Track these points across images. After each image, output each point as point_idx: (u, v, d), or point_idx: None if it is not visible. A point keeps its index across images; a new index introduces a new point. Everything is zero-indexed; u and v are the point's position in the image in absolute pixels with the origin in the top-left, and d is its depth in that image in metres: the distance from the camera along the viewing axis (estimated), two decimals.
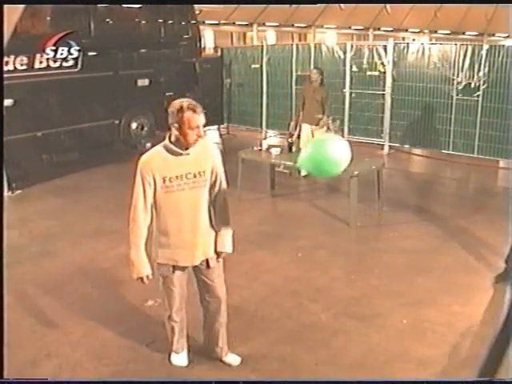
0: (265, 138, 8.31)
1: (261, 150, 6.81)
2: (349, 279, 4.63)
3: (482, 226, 5.82)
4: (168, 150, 2.93)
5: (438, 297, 4.26)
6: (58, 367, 3.38)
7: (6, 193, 6.85)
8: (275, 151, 6.59)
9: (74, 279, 4.64)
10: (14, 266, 4.43)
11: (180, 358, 3.41)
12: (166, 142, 2.95)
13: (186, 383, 3.29)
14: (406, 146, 9.59)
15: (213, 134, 11.46)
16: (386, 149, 9.63)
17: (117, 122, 9.13)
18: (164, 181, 2.91)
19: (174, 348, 3.39)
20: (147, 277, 3.10)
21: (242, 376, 3.27)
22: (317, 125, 7.50)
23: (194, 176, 2.96)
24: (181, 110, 2.84)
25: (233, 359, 3.41)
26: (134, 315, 3.98)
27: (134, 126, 9.52)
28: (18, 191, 7.16)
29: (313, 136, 7.71)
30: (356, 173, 5.78)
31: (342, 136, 9.24)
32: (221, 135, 10.90)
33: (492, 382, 1.50)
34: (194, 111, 2.84)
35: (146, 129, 9.78)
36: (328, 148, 3.04)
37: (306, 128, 7.77)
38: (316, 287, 4.46)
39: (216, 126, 11.37)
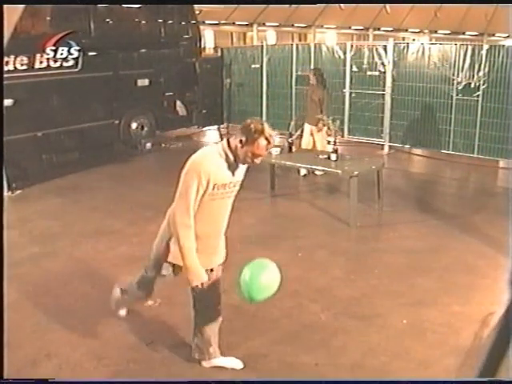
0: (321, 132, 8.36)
1: None
2: (349, 279, 4.63)
3: (482, 226, 5.82)
4: (224, 157, 2.90)
5: (438, 297, 4.26)
6: (58, 367, 3.38)
7: (5, 193, 6.85)
8: (275, 151, 6.58)
9: (74, 279, 4.64)
10: (14, 265, 4.43)
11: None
12: (225, 148, 2.90)
13: (186, 383, 3.29)
14: (406, 146, 9.59)
15: (213, 134, 11.47)
16: (386, 149, 9.63)
17: (117, 122, 9.13)
18: (213, 187, 2.88)
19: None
20: (202, 284, 3.05)
21: (242, 376, 3.27)
22: (316, 125, 7.53)
23: (234, 186, 3.02)
24: (261, 133, 2.87)
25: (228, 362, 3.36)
26: (134, 315, 3.98)
27: (134, 126, 9.53)
28: (18, 191, 7.16)
29: (312, 136, 7.76)
30: (356, 173, 5.79)
31: (342, 136, 9.26)
32: (221, 135, 10.89)
33: (492, 382, 1.50)
34: (269, 142, 2.90)
35: (146, 129, 9.79)
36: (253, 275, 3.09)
37: (307, 128, 7.88)
38: (316, 287, 4.46)
39: (216, 126, 11.37)
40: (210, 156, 2.90)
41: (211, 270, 3.16)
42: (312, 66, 10.25)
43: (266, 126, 2.92)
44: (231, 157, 2.91)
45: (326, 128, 7.35)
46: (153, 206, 6.60)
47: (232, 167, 2.94)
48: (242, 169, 3.05)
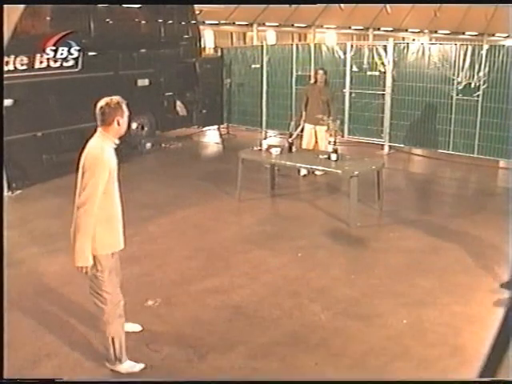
0: (265, 138, 8.31)
1: (261, 149, 6.81)
2: (349, 279, 4.63)
3: (482, 225, 5.82)
4: (110, 144, 3.21)
5: (438, 297, 4.26)
6: (57, 367, 3.38)
7: (5, 193, 6.85)
8: (275, 151, 6.58)
9: (74, 279, 4.63)
10: (14, 265, 4.44)
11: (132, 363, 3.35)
12: (107, 136, 3.21)
13: (186, 383, 3.29)
14: (406, 145, 9.59)
15: (213, 134, 11.47)
16: (386, 149, 9.63)
17: None
18: (111, 172, 3.16)
19: (124, 353, 3.32)
20: (86, 268, 3.17)
21: (242, 376, 3.27)
22: (320, 124, 7.50)
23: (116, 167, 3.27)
24: (116, 105, 3.19)
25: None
26: (134, 315, 3.98)
27: (134, 126, 9.53)
28: (18, 191, 7.16)
29: (316, 136, 7.77)
30: (356, 173, 5.79)
31: (342, 136, 9.27)
32: (221, 135, 10.90)
33: (492, 382, 1.50)
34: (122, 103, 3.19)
35: (146, 129, 9.79)
36: None
37: (308, 128, 7.83)
38: (316, 287, 4.46)
39: (216, 126, 11.38)
40: (104, 146, 3.15)
41: (112, 255, 3.31)
42: (312, 66, 10.27)
43: (117, 98, 3.24)
44: (114, 140, 3.22)
45: (327, 127, 7.38)
46: (152, 205, 6.61)
47: (113, 151, 3.23)
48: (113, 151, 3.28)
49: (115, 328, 3.27)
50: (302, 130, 7.96)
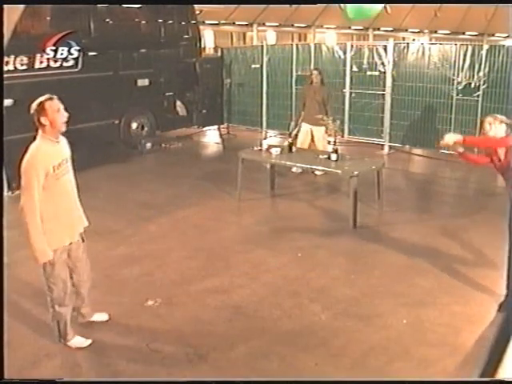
0: (265, 138, 8.30)
1: (261, 149, 6.81)
2: (349, 279, 4.63)
3: (482, 225, 5.81)
4: (46, 143, 3.38)
5: (438, 297, 4.26)
6: (57, 367, 3.38)
7: (5, 193, 6.84)
8: (275, 151, 6.58)
9: None
10: (14, 265, 4.43)
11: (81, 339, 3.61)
12: (42, 135, 3.37)
13: (186, 383, 3.29)
14: (406, 146, 9.59)
15: (213, 134, 11.47)
16: (386, 149, 9.63)
17: (117, 122, 9.13)
18: (53, 170, 3.33)
19: (71, 332, 3.58)
20: (50, 262, 3.37)
21: (242, 376, 3.27)
22: (317, 125, 7.50)
23: (66, 161, 3.50)
24: (41, 103, 3.32)
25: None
26: (134, 315, 3.98)
27: (134, 126, 9.53)
28: (18, 191, 7.14)
29: (312, 136, 7.76)
30: (356, 173, 5.79)
31: (342, 136, 9.27)
32: (221, 135, 10.89)
33: (492, 382, 1.50)
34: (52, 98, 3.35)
35: (146, 129, 9.79)
36: None
37: (305, 127, 7.83)
38: (316, 287, 4.46)
39: (216, 126, 11.37)
40: (40, 146, 3.33)
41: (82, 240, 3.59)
42: (312, 66, 10.25)
43: (40, 99, 3.34)
44: (52, 138, 3.38)
45: (325, 128, 7.38)
46: (152, 205, 6.62)
47: (56, 148, 3.41)
48: (64, 145, 3.53)
49: (58, 313, 3.52)
50: (298, 130, 7.95)
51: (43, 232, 3.32)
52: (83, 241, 3.65)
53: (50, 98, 3.35)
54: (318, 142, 7.71)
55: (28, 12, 7.37)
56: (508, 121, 4.18)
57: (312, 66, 10.29)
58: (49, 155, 3.32)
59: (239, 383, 3.24)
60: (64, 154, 3.48)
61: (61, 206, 3.42)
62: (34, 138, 3.47)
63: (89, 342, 3.59)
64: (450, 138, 4.08)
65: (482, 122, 4.25)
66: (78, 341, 3.59)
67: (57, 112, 3.35)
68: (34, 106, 3.33)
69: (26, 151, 3.34)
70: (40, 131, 3.36)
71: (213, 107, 11.10)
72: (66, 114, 3.41)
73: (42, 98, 3.34)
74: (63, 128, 3.41)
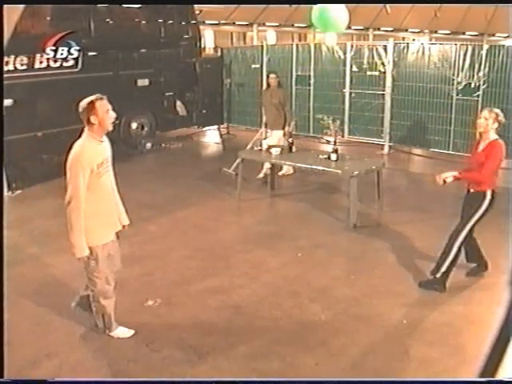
0: (265, 138, 8.29)
1: (261, 149, 6.80)
2: (349, 279, 4.63)
3: (482, 225, 5.80)
4: (92, 141, 3.41)
5: (438, 297, 4.26)
6: (57, 367, 3.38)
7: (5, 193, 6.85)
8: (275, 151, 6.58)
9: (74, 279, 4.63)
10: (14, 265, 4.43)
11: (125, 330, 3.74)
12: (89, 133, 3.40)
13: (186, 383, 3.29)
14: (406, 146, 9.59)
15: (213, 134, 11.47)
16: (386, 149, 9.63)
17: (117, 122, 9.11)
18: (97, 167, 3.38)
19: (114, 323, 3.71)
20: (85, 257, 3.47)
21: (242, 376, 3.27)
22: (275, 128, 7.53)
23: (107, 161, 3.50)
24: (91, 103, 3.33)
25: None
26: (134, 315, 3.98)
27: (134, 126, 9.54)
28: (18, 191, 7.16)
29: (276, 142, 7.47)
30: (356, 173, 5.79)
31: (342, 136, 9.26)
32: (221, 135, 10.89)
33: (492, 382, 1.50)
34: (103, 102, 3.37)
35: (146, 129, 9.79)
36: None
37: (270, 133, 7.77)
38: (316, 287, 4.46)
39: (216, 126, 11.38)
40: (85, 144, 3.37)
41: (104, 246, 3.57)
42: (312, 66, 10.26)
43: (91, 98, 3.35)
44: (97, 137, 3.40)
45: (287, 135, 7.33)
46: (152, 205, 6.62)
47: (100, 147, 3.43)
48: (107, 145, 3.53)
49: (102, 305, 3.62)
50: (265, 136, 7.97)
51: (84, 228, 3.37)
52: (117, 238, 3.75)
53: (101, 98, 3.36)
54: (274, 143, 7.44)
55: (28, 12, 7.37)
56: (502, 119, 4.22)
57: (312, 66, 10.32)
58: (93, 153, 3.37)
59: (239, 383, 3.24)
60: (106, 153, 3.50)
61: (102, 204, 3.47)
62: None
63: (132, 332, 3.71)
64: (447, 175, 4.17)
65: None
66: (121, 331, 3.71)
67: (106, 113, 3.37)
68: (85, 104, 3.33)
69: (70, 148, 3.38)
70: (86, 129, 3.39)
71: (213, 107, 11.11)
72: (113, 115, 3.43)
73: (92, 97, 3.35)
74: (110, 128, 3.43)
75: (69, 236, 3.37)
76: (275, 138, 7.56)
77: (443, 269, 4.29)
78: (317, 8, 4.22)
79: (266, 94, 7.89)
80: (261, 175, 7.63)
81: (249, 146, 7.90)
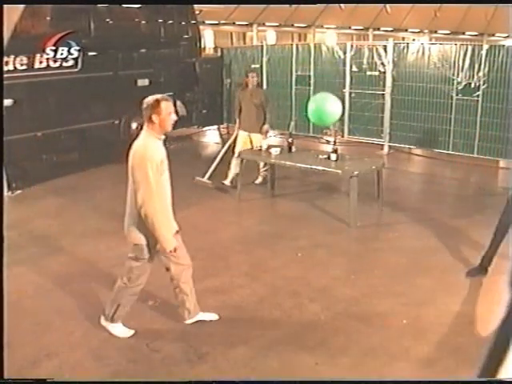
0: (265, 138, 8.28)
1: (261, 149, 6.81)
2: (349, 279, 4.63)
3: (482, 226, 5.80)
4: (154, 140, 3.45)
5: (438, 297, 4.27)
6: (57, 367, 3.38)
7: (5, 193, 6.85)
8: (275, 151, 6.59)
9: (74, 279, 4.64)
10: (14, 265, 4.43)
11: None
12: (150, 132, 3.44)
13: (186, 383, 3.29)
14: (406, 146, 9.59)
15: (213, 134, 11.47)
16: (386, 149, 9.63)
17: (117, 122, 9.13)
18: (160, 165, 3.42)
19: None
20: (175, 249, 3.55)
21: (242, 376, 3.27)
22: (255, 131, 7.17)
23: (165, 160, 3.51)
24: (156, 102, 3.37)
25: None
26: (134, 315, 3.98)
27: (133, 126, 9.52)
28: (18, 191, 7.16)
29: (251, 144, 7.24)
30: (356, 173, 5.79)
31: (342, 136, 9.27)
32: (221, 135, 10.90)
33: (492, 382, 1.50)
34: (168, 104, 3.41)
35: None
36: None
37: (242, 135, 7.34)
38: (316, 287, 4.46)
39: (216, 126, 11.37)
40: (147, 142, 3.40)
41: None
42: (312, 66, 10.24)
43: (158, 96, 3.41)
44: (158, 136, 3.43)
45: (265, 136, 7.15)
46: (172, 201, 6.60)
47: (159, 145, 3.46)
48: (162, 144, 3.54)
49: (184, 291, 3.76)
50: (235, 139, 7.43)
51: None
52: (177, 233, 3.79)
53: (167, 99, 3.40)
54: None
55: (28, 12, 7.37)
56: None
57: (312, 66, 10.31)
58: (155, 151, 3.40)
59: (239, 383, 3.24)
60: (163, 152, 3.51)
61: (163, 202, 3.49)
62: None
63: (132, 332, 3.75)
64: None
65: None
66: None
67: (169, 114, 3.39)
68: (150, 101, 3.36)
69: (129, 148, 3.46)
70: (145, 127, 3.43)
71: (213, 107, 11.10)
72: (175, 118, 3.46)
73: (158, 96, 3.39)
74: (170, 129, 3.45)
75: (155, 233, 3.41)
76: (256, 142, 7.10)
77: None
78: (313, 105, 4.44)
79: (244, 95, 7.34)
80: (259, 180, 7.49)
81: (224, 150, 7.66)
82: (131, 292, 3.69)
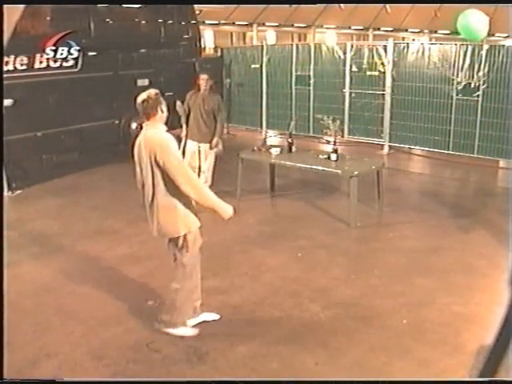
0: (265, 138, 8.27)
1: (261, 149, 6.80)
2: (349, 279, 4.64)
3: (482, 225, 5.82)
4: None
5: (438, 297, 4.27)
6: (57, 367, 3.38)
7: (5, 193, 6.85)
8: (275, 151, 6.59)
9: (74, 279, 4.64)
10: (14, 265, 4.44)
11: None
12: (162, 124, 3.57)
13: (186, 383, 3.29)
14: (406, 146, 9.59)
15: None
16: (386, 149, 9.63)
17: (117, 122, 9.13)
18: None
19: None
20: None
21: (242, 376, 3.27)
22: (205, 141, 6.50)
23: None
24: (156, 99, 3.51)
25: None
26: (134, 315, 3.98)
27: (133, 126, 9.52)
28: (18, 191, 7.16)
29: (199, 156, 6.60)
30: (356, 173, 5.79)
31: (342, 136, 9.27)
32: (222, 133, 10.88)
33: (492, 382, 1.50)
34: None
35: None
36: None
37: (191, 145, 6.61)
38: (316, 287, 4.46)
39: None
40: (162, 132, 3.50)
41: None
42: (312, 66, 10.22)
43: (152, 91, 3.53)
44: (164, 127, 3.55)
45: (216, 148, 6.55)
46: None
47: None
48: None
49: (190, 298, 3.69)
50: (184, 148, 6.57)
51: (184, 213, 3.46)
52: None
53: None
54: (203, 160, 6.56)
55: (28, 12, 7.37)
56: None
57: (312, 66, 10.30)
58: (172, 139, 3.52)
59: (239, 383, 3.24)
60: None
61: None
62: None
63: (195, 331, 3.73)
64: None
65: None
66: (185, 330, 3.74)
67: (165, 105, 3.58)
68: (152, 95, 3.48)
69: (133, 145, 3.61)
70: (151, 121, 3.50)
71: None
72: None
73: (154, 90, 3.53)
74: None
75: (210, 207, 3.45)
76: (202, 154, 6.47)
77: None
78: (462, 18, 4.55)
79: (194, 99, 6.58)
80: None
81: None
82: (188, 289, 3.63)
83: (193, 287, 3.67)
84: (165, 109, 3.53)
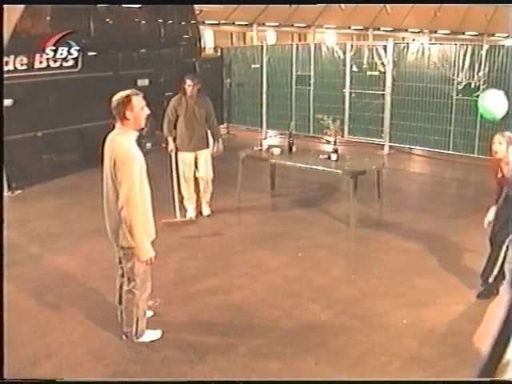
0: (265, 138, 8.27)
1: (261, 149, 6.81)
2: (349, 279, 4.63)
3: (482, 225, 5.81)
4: (133, 138, 3.43)
5: (438, 297, 4.26)
6: (57, 367, 3.38)
7: (5, 193, 6.85)
8: (275, 151, 6.58)
9: (74, 279, 4.64)
10: (14, 265, 4.43)
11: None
12: (128, 130, 3.37)
13: (186, 383, 3.29)
14: (406, 146, 9.59)
15: None
16: (386, 149, 9.63)
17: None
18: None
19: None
20: (151, 259, 3.46)
21: (242, 376, 3.27)
22: (200, 148, 5.99)
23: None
24: (127, 97, 3.27)
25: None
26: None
27: None
28: (18, 191, 7.16)
29: (196, 166, 6.07)
30: (356, 173, 5.78)
31: (342, 136, 9.27)
32: (221, 135, 10.88)
33: (492, 382, 1.50)
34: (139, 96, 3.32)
35: (145, 129, 9.76)
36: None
37: (185, 157, 6.00)
38: (316, 287, 4.46)
39: None
40: (128, 140, 3.31)
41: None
42: (312, 66, 10.22)
43: (127, 92, 3.29)
44: (135, 133, 3.36)
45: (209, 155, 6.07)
46: (152, 205, 6.60)
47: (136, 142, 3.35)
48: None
49: (141, 310, 3.58)
50: (176, 162, 6.01)
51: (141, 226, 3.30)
52: None
53: (137, 94, 3.30)
54: (202, 167, 6.05)
55: (28, 12, 7.37)
56: None
57: (312, 66, 10.30)
58: (138, 149, 3.33)
59: (239, 383, 3.24)
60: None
61: (144, 205, 3.42)
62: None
63: (159, 333, 3.70)
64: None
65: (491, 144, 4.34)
66: (149, 335, 3.67)
67: (141, 109, 3.31)
68: (120, 97, 3.25)
69: (103, 142, 3.43)
70: (119, 125, 3.33)
71: (212, 107, 11.09)
72: (148, 112, 3.37)
73: (128, 92, 3.27)
74: (143, 125, 3.39)
75: (132, 238, 3.27)
76: (202, 161, 5.99)
77: (494, 272, 4.19)
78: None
79: (184, 105, 5.94)
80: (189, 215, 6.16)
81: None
82: (143, 298, 3.56)
83: (146, 295, 3.61)
84: (136, 115, 3.26)
